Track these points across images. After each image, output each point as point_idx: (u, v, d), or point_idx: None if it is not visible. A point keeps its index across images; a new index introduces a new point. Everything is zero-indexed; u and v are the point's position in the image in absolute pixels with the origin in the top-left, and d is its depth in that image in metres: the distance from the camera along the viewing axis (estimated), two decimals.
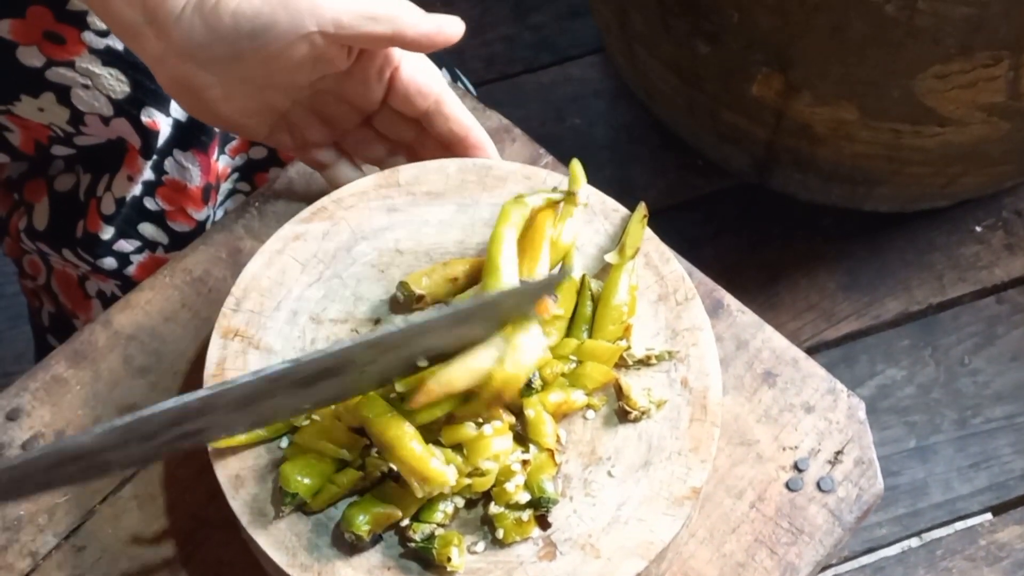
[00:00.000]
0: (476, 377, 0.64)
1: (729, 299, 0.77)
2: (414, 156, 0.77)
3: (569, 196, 0.72)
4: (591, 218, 0.74)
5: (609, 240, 0.74)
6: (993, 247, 1.52)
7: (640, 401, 0.68)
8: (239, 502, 0.65)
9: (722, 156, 1.45)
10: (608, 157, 1.58)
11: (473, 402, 0.64)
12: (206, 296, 0.77)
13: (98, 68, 0.82)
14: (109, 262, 0.91)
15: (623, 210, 0.74)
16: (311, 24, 0.66)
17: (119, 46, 0.82)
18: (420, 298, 0.71)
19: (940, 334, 1.47)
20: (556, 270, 0.72)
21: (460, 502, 0.65)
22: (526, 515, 0.65)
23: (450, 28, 0.69)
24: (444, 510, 0.64)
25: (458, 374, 0.63)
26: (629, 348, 0.69)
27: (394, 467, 0.63)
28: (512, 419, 0.66)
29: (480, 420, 0.65)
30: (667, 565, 0.69)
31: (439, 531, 0.64)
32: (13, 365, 1.41)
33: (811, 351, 1.43)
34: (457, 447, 0.65)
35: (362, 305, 0.71)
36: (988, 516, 1.38)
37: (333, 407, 0.66)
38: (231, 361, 0.69)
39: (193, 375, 0.74)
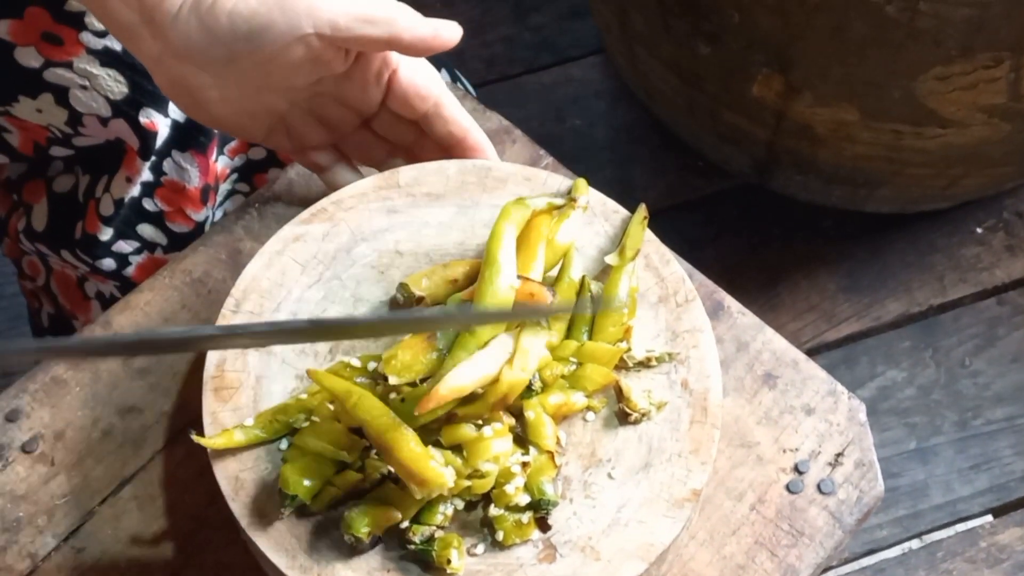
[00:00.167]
0: (484, 380, 0.64)
1: (729, 301, 0.77)
2: (413, 158, 0.77)
3: (570, 201, 0.72)
4: (591, 219, 0.74)
5: (609, 242, 0.73)
6: (994, 248, 1.52)
7: (640, 403, 0.68)
8: (239, 504, 0.65)
9: (722, 157, 1.45)
10: (608, 158, 1.58)
11: (477, 403, 0.64)
12: (206, 297, 0.77)
13: (96, 69, 0.82)
14: (108, 263, 0.91)
15: (623, 211, 0.74)
16: (307, 26, 0.66)
17: (117, 47, 0.82)
18: (420, 300, 0.70)
19: (941, 335, 1.47)
20: (556, 270, 0.72)
21: (460, 504, 0.65)
22: (526, 517, 0.65)
23: (447, 33, 0.69)
24: (444, 512, 0.64)
25: (467, 377, 0.63)
26: (629, 350, 0.69)
27: (392, 469, 0.63)
28: (512, 421, 0.66)
29: (480, 422, 0.65)
30: (667, 567, 0.69)
31: (439, 533, 0.64)
32: (12, 366, 1.41)
33: (812, 352, 1.43)
34: (457, 448, 0.65)
35: (362, 306, 0.71)
36: (989, 518, 1.37)
37: (331, 408, 0.66)
38: (231, 362, 0.69)
39: (192, 376, 0.74)
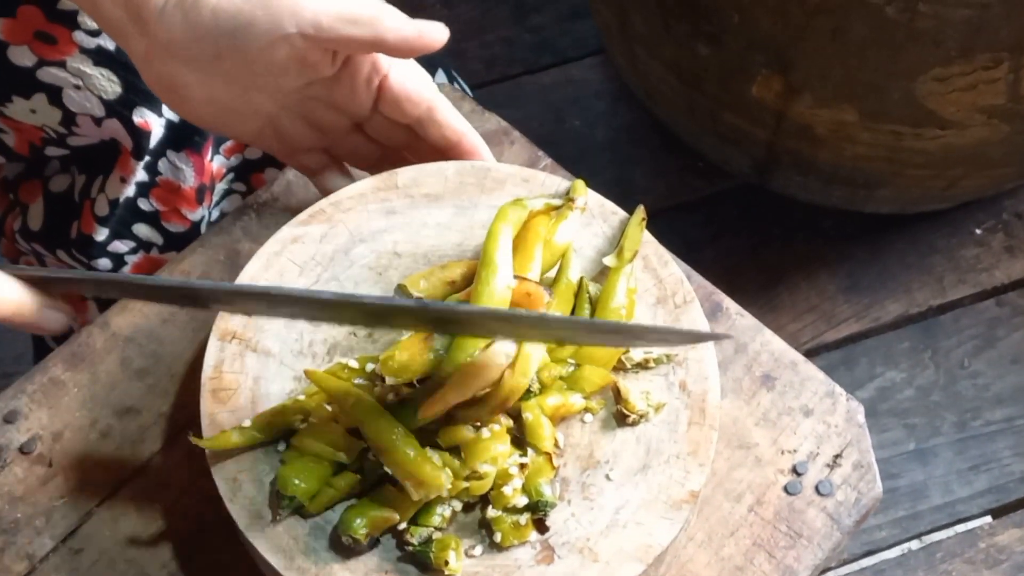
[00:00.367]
0: (488, 383, 0.64)
1: (728, 302, 0.77)
2: (407, 162, 0.77)
3: (568, 201, 0.72)
4: (590, 221, 0.74)
5: (607, 243, 0.73)
6: (993, 249, 1.52)
7: (638, 404, 0.68)
8: (236, 505, 0.65)
9: (722, 158, 1.45)
10: (608, 159, 1.58)
11: (477, 407, 0.64)
12: None
13: (89, 68, 0.82)
14: (104, 263, 0.91)
15: (622, 213, 0.74)
16: (290, 25, 0.66)
17: (110, 46, 0.82)
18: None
19: (940, 336, 1.47)
20: (553, 271, 0.71)
21: (458, 506, 0.65)
22: (524, 519, 0.65)
23: (432, 34, 0.68)
24: (442, 513, 0.64)
25: (471, 380, 0.63)
26: (627, 351, 0.69)
27: (390, 470, 0.63)
28: (510, 422, 0.66)
29: (478, 423, 0.65)
30: (665, 569, 0.69)
31: (437, 534, 0.64)
32: (12, 366, 1.41)
33: (811, 353, 1.43)
34: (455, 450, 0.65)
35: None
36: (988, 519, 1.37)
37: (329, 409, 0.66)
38: (228, 363, 0.69)
39: (190, 378, 0.74)
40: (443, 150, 0.75)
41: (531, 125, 1.03)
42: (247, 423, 0.66)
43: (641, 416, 0.68)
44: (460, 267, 0.71)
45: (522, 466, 0.65)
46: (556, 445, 0.67)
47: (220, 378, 0.68)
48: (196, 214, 0.90)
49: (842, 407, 0.74)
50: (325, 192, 0.77)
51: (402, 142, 0.76)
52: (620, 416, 0.68)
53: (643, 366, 0.69)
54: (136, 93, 0.84)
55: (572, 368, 0.69)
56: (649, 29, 1.28)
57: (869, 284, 1.50)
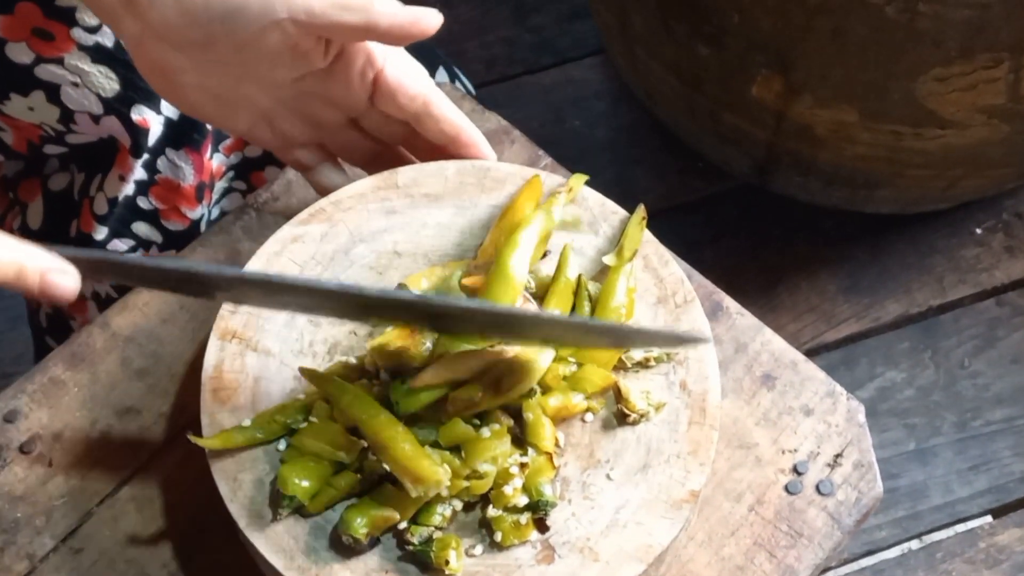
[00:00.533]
0: (480, 365, 0.64)
1: (728, 301, 0.77)
2: (403, 158, 0.77)
3: (565, 191, 0.72)
4: (590, 220, 0.74)
5: (607, 242, 0.73)
6: (993, 249, 1.52)
7: (639, 404, 0.68)
8: (237, 505, 0.65)
9: (722, 158, 1.45)
10: (608, 159, 1.58)
11: (469, 387, 0.64)
12: None
13: (87, 65, 0.82)
14: None
15: (622, 212, 0.74)
16: (282, 11, 0.66)
17: (109, 43, 0.82)
18: None
19: (940, 336, 1.47)
20: (551, 273, 0.71)
21: (458, 505, 0.65)
22: (524, 518, 0.65)
23: (426, 20, 0.68)
24: (442, 513, 0.64)
25: (467, 360, 0.64)
26: (628, 351, 0.69)
27: (389, 468, 0.63)
28: (510, 422, 0.66)
29: (478, 421, 0.65)
30: (666, 568, 0.69)
31: (437, 534, 0.64)
32: (12, 366, 1.41)
33: (811, 353, 1.43)
34: (455, 449, 0.65)
35: None
36: (988, 519, 1.37)
37: (328, 407, 0.66)
38: (229, 363, 0.69)
39: (191, 377, 0.74)
40: (441, 145, 0.75)
41: (531, 125, 1.03)
42: (247, 422, 0.66)
43: (642, 416, 0.68)
44: (460, 267, 0.71)
45: (523, 466, 0.65)
46: (556, 444, 0.67)
47: (220, 378, 0.68)
48: (196, 212, 0.90)
49: (843, 406, 0.74)
50: (319, 188, 0.77)
51: (399, 138, 0.76)
52: (621, 415, 0.68)
53: (643, 365, 0.69)
54: (135, 90, 0.83)
55: (573, 367, 0.69)
56: (649, 29, 1.28)
57: (869, 284, 1.50)
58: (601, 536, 0.65)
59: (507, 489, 0.64)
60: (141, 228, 0.90)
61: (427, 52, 0.98)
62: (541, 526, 0.65)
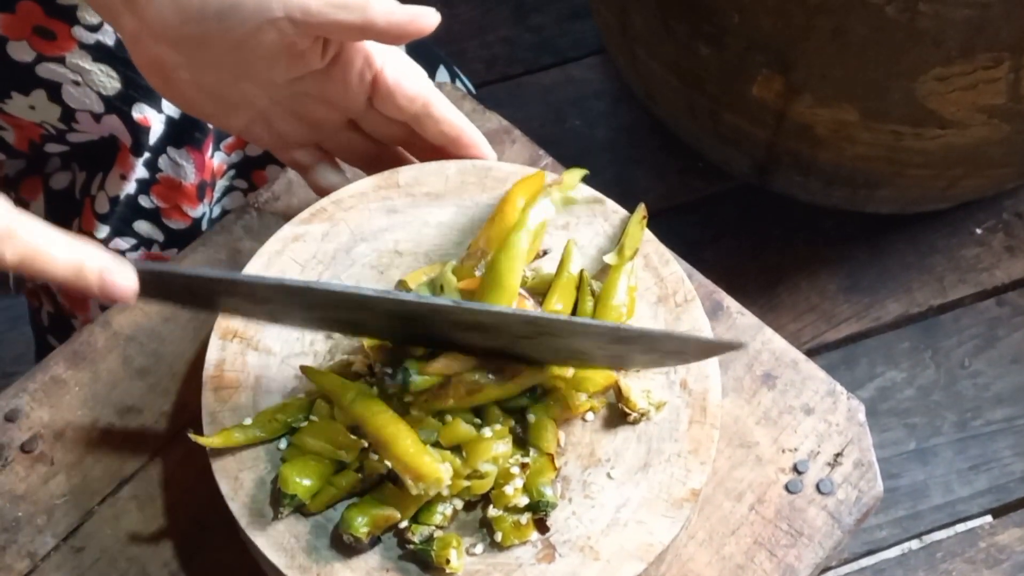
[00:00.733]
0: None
1: (729, 301, 0.77)
2: (403, 159, 0.77)
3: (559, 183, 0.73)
4: (591, 219, 0.74)
5: (608, 241, 0.73)
6: (994, 249, 1.52)
7: (639, 403, 0.68)
8: (238, 504, 0.65)
9: (723, 158, 1.45)
10: (608, 159, 1.58)
11: (475, 370, 0.65)
12: None
13: (88, 64, 0.82)
14: None
15: (622, 211, 0.74)
16: (278, 9, 0.66)
17: (110, 42, 0.82)
18: None
19: (940, 336, 1.47)
20: (551, 270, 0.72)
21: (459, 504, 0.65)
22: (525, 518, 0.65)
23: (424, 19, 0.67)
24: (443, 512, 0.64)
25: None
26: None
27: (390, 465, 0.63)
28: (511, 422, 0.66)
29: (479, 421, 0.65)
30: (666, 567, 0.69)
31: (438, 533, 0.64)
32: (13, 366, 1.41)
33: (811, 353, 1.43)
34: (456, 449, 0.65)
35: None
36: (988, 518, 1.37)
37: (328, 406, 0.66)
38: (230, 362, 0.69)
39: (192, 376, 0.74)
40: (441, 146, 0.74)
41: (531, 125, 1.03)
42: (248, 421, 0.67)
43: (642, 415, 0.68)
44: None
45: (523, 466, 0.65)
46: (557, 444, 0.67)
47: (221, 376, 0.68)
48: (197, 211, 0.90)
49: (843, 406, 0.74)
50: (317, 189, 0.77)
51: (398, 139, 0.76)
52: (621, 414, 0.68)
53: None
54: (136, 89, 0.84)
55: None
56: (649, 29, 1.28)
57: (869, 284, 1.50)
58: (602, 535, 0.65)
59: (508, 489, 0.64)
60: (142, 227, 0.90)
61: (427, 52, 0.99)
62: (541, 526, 0.65)
